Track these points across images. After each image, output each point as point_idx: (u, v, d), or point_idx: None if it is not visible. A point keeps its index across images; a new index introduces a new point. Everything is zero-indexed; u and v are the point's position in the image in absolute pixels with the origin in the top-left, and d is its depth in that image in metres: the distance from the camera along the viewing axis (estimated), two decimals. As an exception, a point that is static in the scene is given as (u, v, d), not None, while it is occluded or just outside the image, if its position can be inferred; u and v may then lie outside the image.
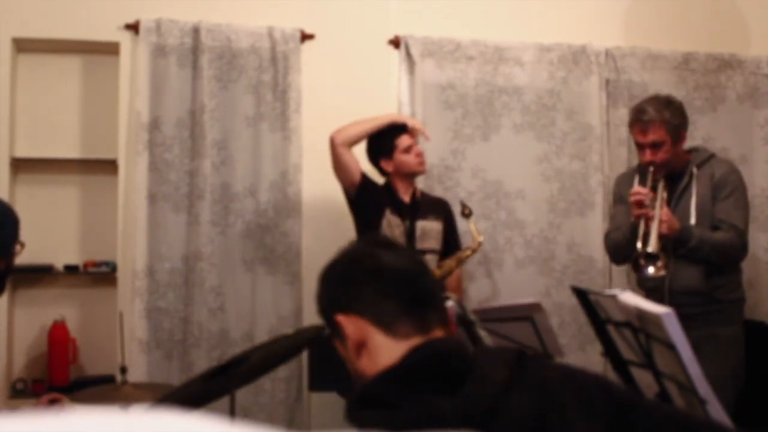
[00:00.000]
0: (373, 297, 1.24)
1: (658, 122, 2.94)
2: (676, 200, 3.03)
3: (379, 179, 3.35)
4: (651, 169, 2.97)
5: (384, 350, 1.20)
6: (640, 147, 3.01)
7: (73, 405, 2.39)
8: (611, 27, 4.10)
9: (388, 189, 3.29)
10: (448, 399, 1.11)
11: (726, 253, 2.99)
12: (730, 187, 3.03)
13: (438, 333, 1.24)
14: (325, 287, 1.32)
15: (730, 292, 3.06)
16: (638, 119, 2.99)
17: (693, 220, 2.96)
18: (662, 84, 4.02)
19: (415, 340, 1.21)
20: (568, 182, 3.92)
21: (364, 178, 3.27)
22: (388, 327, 1.22)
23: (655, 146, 2.96)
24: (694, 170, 3.05)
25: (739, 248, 3.03)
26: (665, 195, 2.96)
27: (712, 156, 3.13)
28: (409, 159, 3.25)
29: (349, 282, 1.27)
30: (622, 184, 3.24)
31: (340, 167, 3.25)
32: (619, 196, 3.23)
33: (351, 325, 1.23)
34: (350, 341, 1.24)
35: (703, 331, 2.83)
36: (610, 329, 2.07)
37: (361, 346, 1.23)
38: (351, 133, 3.24)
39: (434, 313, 1.25)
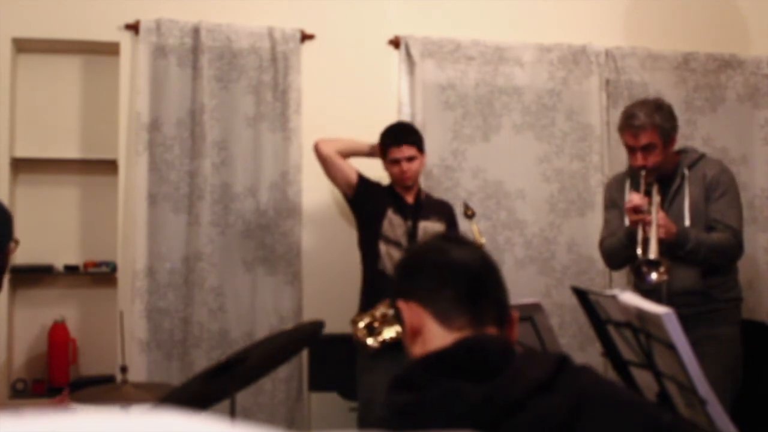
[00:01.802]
0: (433, 288, 1.29)
1: (650, 126, 2.94)
2: (668, 202, 3.02)
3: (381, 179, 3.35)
4: (643, 173, 2.96)
5: (436, 339, 1.25)
6: (631, 151, 3.01)
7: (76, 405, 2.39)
8: (611, 27, 4.10)
9: (392, 189, 3.29)
10: (476, 387, 1.12)
11: (723, 253, 2.99)
12: (722, 187, 3.03)
13: (491, 330, 1.26)
14: (395, 275, 1.40)
15: (726, 291, 3.06)
16: (629, 124, 2.98)
17: (687, 222, 2.96)
18: (662, 84, 4.02)
19: (466, 333, 1.24)
20: (568, 182, 3.92)
21: (362, 178, 3.27)
22: (443, 317, 1.26)
23: (646, 150, 2.95)
24: (686, 171, 3.04)
25: (735, 248, 3.03)
26: (659, 198, 2.95)
27: (702, 156, 3.13)
28: (393, 171, 3.23)
29: (413, 271, 1.34)
30: (614, 189, 3.23)
31: (332, 171, 3.26)
32: (611, 201, 3.23)
33: (409, 312, 1.29)
34: (407, 327, 1.30)
35: (701, 331, 2.83)
36: (610, 329, 2.07)
37: (417, 332, 1.28)
38: (336, 144, 3.27)
39: (490, 311, 1.28)
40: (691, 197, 3.00)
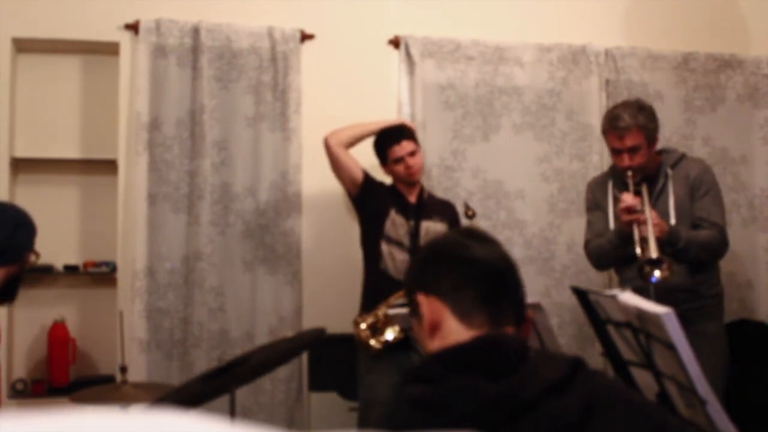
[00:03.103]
0: (455, 284, 1.28)
1: (635, 128, 2.98)
2: (654, 202, 3.06)
3: (386, 178, 3.35)
4: (629, 173, 3.00)
5: (455, 336, 1.25)
6: (617, 152, 3.05)
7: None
8: (611, 27, 4.10)
9: (394, 189, 3.29)
10: (491, 384, 1.12)
11: (711, 250, 3.05)
12: (705, 185, 3.09)
13: (509, 329, 1.27)
14: (415, 266, 1.39)
15: (712, 287, 3.12)
16: (614, 126, 3.02)
17: (673, 221, 3.00)
18: (662, 84, 4.03)
19: (484, 331, 1.25)
20: (568, 182, 3.92)
21: (367, 177, 3.26)
22: (463, 315, 1.26)
23: (632, 151, 3.00)
24: (669, 171, 3.09)
25: (722, 244, 3.08)
26: (647, 198, 2.96)
27: (683, 156, 3.19)
28: (399, 169, 3.22)
29: (436, 265, 1.33)
30: (596, 190, 3.27)
31: (338, 168, 3.25)
32: (594, 203, 3.26)
33: (429, 306, 1.29)
34: (426, 321, 1.29)
35: (690, 328, 2.85)
36: (610, 329, 2.07)
37: (436, 327, 1.28)
38: (345, 135, 3.25)
39: (509, 310, 1.28)
40: (676, 196, 3.05)
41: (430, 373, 1.18)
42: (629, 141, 2.98)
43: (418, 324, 1.32)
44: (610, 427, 1.14)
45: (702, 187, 3.07)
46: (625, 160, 3.01)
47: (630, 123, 2.99)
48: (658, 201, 3.07)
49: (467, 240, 1.34)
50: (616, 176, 3.15)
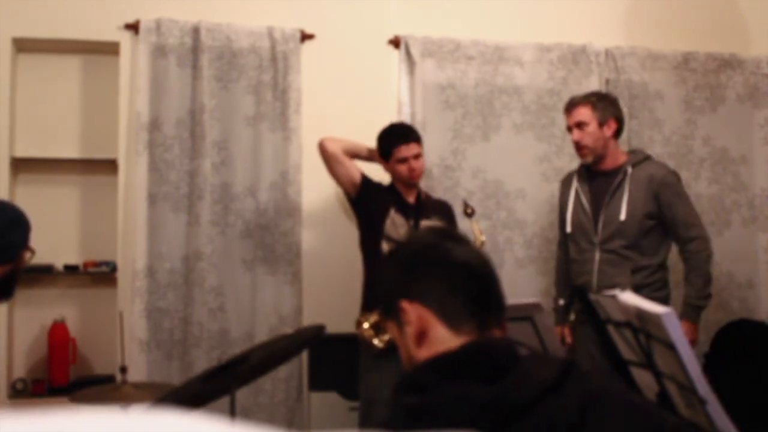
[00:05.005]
0: (442, 290, 1.25)
1: (583, 103, 3.19)
2: (609, 197, 3.18)
3: (384, 177, 3.35)
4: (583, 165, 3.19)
5: (444, 343, 1.22)
6: (570, 131, 3.24)
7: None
8: (611, 27, 4.10)
9: (393, 189, 3.29)
10: (486, 389, 1.12)
11: (708, 263, 3.17)
12: (673, 189, 3.17)
13: (495, 332, 1.26)
14: (392, 271, 1.33)
15: (655, 291, 3.12)
16: (567, 104, 3.26)
17: (623, 216, 3.11)
18: (662, 84, 4.03)
19: (472, 337, 1.23)
20: (568, 182, 3.92)
21: (365, 179, 3.27)
22: (452, 322, 1.23)
23: (579, 126, 3.17)
24: (629, 169, 3.19)
25: (709, 249, 3.18)
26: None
27: (647, 157, 3.27)
28: (401, 169, 3.22)
29: (419, 271, 1.28)
30: (563, 185, 3.43)
31: (336, 169, 3.26)
32: (561, 201, 3.45)
33: (415, 313, 1.25)
34: (412, 329, 1.25)
35: None
36: (610, 329, 2.07)
37: (423, 335, 1.24)
38: (342, 142, 3.26)
39: (494, 313, 1.27)
40: (631, 194, 3.14)
41: (423, 381, 1.16)
42: (576, 115, 3.18)
43: (396, 330, 1.29)
44: (608, 428, 1.13)
45: (670, 190, 3.15)
46: (575, 134, 3.19)
47: (580, 99, 3.22)
48: (613, 197, 3.17)
49: (445, 242, 1.30)
50: (580, 171, 3.31)
